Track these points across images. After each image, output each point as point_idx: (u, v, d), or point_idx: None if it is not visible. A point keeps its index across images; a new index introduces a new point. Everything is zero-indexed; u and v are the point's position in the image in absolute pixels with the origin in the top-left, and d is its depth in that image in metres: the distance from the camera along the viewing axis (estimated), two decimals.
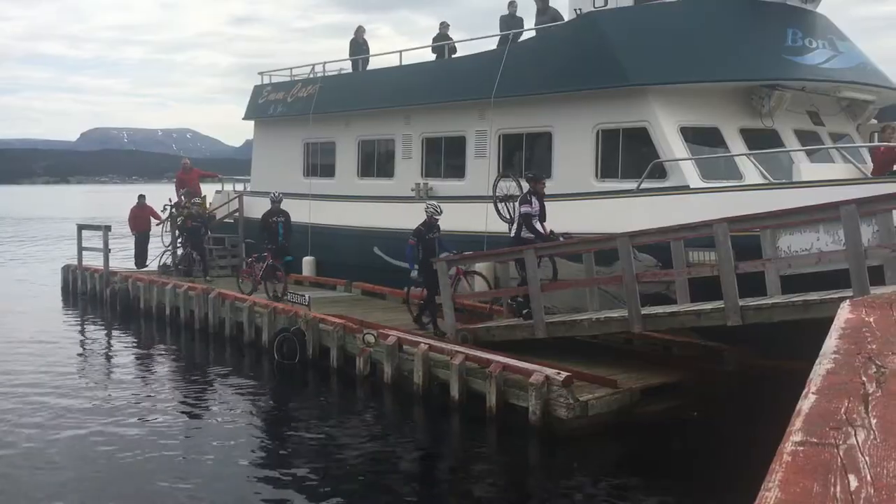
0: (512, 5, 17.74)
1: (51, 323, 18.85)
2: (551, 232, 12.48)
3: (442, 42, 18.67)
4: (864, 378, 2.35)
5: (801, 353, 4.33)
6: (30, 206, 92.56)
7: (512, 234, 12.82)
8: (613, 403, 10.10)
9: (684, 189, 13.00)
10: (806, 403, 2.12)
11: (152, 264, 22.30)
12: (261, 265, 16.90)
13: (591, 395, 9.96)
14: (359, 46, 20.69)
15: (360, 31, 21.09)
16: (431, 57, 18.99)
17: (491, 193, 14.69)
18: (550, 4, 16.88)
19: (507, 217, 13.96)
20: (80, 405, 11.65)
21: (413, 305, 14.48)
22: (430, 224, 13.69)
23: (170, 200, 21.80)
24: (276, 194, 17.45)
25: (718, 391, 10.76)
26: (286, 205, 17.54)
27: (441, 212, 13.81)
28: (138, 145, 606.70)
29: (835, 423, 1.95)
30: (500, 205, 14.29)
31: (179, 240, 21.27)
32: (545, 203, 12.66)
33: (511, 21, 17.54)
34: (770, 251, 10.26)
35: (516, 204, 13.00)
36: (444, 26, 19.11)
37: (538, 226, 12.38)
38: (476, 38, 19.23)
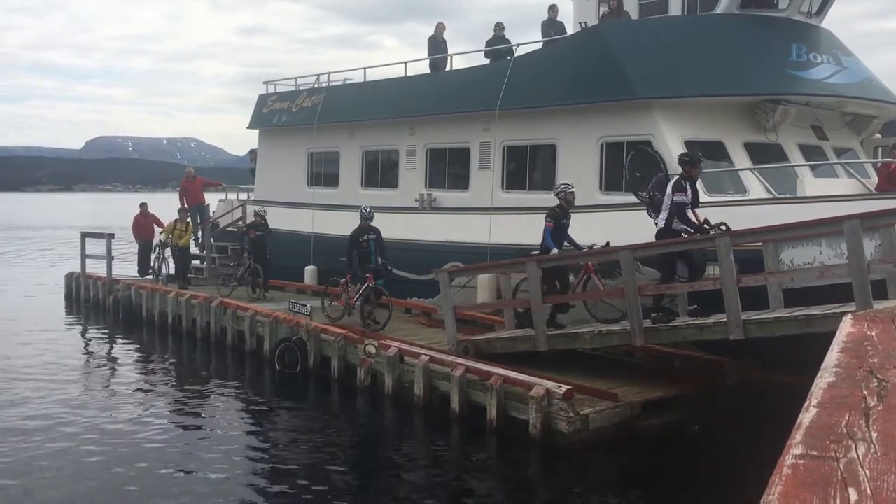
0: (552, 10, 17.24)
1: (53, 330, 18.86)
2: (705, 221, 11.11)
3: (498, 45, 17.69)
4: (865, 392, 2.34)
5: (802, 367, 4.31)
6: (34, 214, 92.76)
7: (661, 225, 11.20)
8: (614, 417, 10.06)
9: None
10: (807, 416, 2.10)
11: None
12: (356, 287, 15.00)
13: (591, 409, 9.93)
14: (438, 45, 19.01)
15: (439, 27, 19.21)
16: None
17: (627, 173, 13.06)
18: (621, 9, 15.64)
19: (646, 200, 12.11)
20: (80, 412, 11.65)
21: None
22: (565, 208, 12.39)
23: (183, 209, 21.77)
24: (368, 210, 15.23)
25: (719, 404, 10.72)
26: (288, 215, 17.39)
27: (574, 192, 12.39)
28: (143, 154, 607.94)
29: (835, 437, 1.94)
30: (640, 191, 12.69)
31: (245, 254, 19.25)
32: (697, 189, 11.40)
33: (553, 25, 17.11)
34: (772, 265, 10.24)
35: (668, 191, 11.16)
36: (499, 28, 17.87)
37: (692, 216, 11.12)
38: (521, 43, 17.52)
